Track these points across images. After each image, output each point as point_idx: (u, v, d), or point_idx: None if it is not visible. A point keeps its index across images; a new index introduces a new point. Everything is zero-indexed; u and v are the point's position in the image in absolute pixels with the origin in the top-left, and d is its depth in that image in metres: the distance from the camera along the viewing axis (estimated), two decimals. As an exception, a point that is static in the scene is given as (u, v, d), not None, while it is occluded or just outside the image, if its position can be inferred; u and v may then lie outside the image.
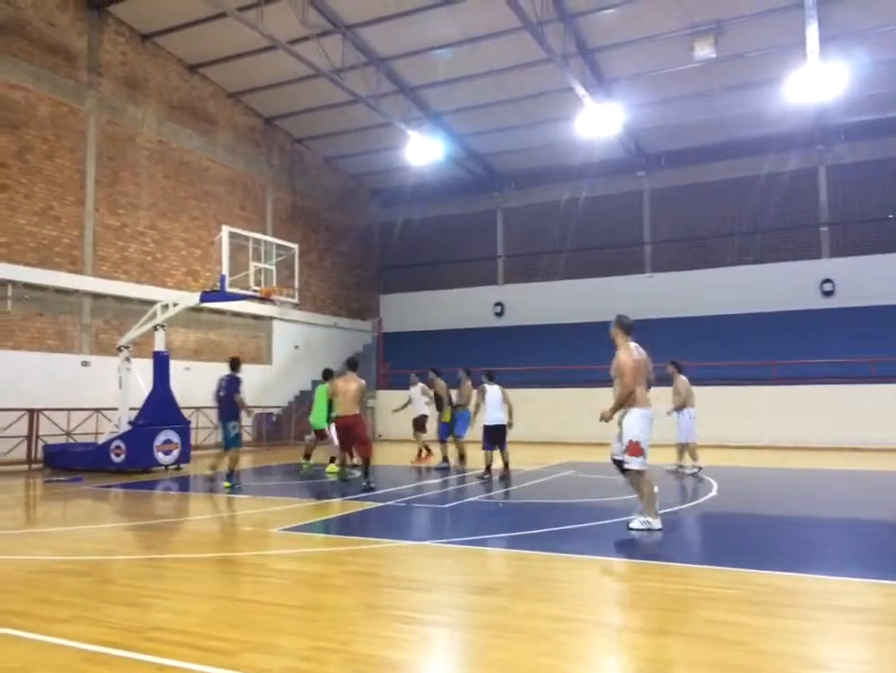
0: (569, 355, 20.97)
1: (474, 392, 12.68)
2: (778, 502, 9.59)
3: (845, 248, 21.30)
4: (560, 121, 20.08)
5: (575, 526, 7.46)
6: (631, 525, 7.04)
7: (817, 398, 16.81)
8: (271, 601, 4.84)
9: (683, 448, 12.13)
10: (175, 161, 18.80)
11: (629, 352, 7.11)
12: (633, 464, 7.05)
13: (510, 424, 11.90)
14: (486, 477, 11.52)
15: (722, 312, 21.13)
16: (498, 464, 11.94)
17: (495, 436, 11.82)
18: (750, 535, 7.33)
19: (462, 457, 13.34)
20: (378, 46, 17.85)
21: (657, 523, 7.00)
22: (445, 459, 13.39)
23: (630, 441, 7.01)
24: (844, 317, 19.81)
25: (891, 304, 19.49)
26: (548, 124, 20.95)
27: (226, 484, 10.68)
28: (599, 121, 18.60)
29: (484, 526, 7.81)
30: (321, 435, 13.18)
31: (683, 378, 12.32)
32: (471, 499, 9.83)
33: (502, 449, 11.97)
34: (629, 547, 6.65)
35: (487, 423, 11.83)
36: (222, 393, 11.12)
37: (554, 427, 19.59)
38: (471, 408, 12.70)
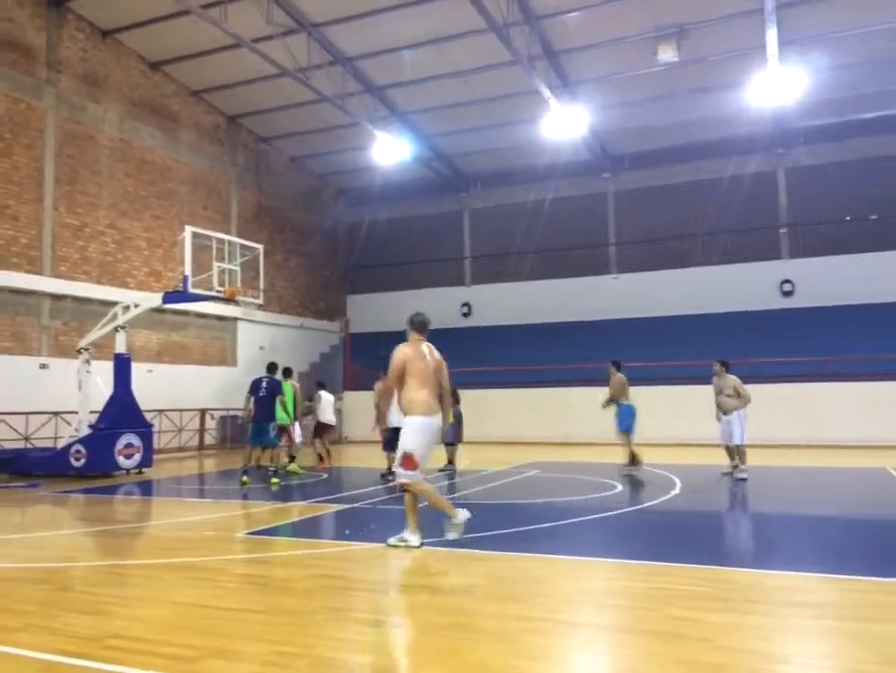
0: (535, 356, 21.09)
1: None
2: (740, 499, 9.73)
3: (803, 249, 21.74)
4: (526, 123, 20.17)
5: (541, 526, 7.49)
6: (389, 541, 6.37)
7: (777, 396, 17.10)
8: (234, 606, 4.77)
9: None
10: (136, 159, 18.48)
11: (405, 351, 6.36)
12: (402, 475, 6.35)
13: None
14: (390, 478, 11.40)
15: (685, 312, 21.42)
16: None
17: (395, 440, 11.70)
18: (713, 532, 7.44)
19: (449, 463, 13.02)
20: (344, 45, 17.75)
21: (414, 540, 6.31)
22: (451, 462, 12.87)
23: (404, 452, 6.27)
24: (802, 316, 20.22)
25: (848, 304, 19.93)
26: (514, 126, 21.03)
27: (274, 481, 11.34)
28: (564, 123, 18.74)
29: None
30: (282, 431, 13.11)
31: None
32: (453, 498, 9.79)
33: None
34: (596, 546, 6.69)
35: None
36: (262, 394, 11.60)
37: (520, 427, 19.67)
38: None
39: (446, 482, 11.50)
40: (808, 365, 18.20)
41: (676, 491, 10.11)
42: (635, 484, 10.89)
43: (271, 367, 12.18)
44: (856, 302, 19.90)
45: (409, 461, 6.23)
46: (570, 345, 21.31)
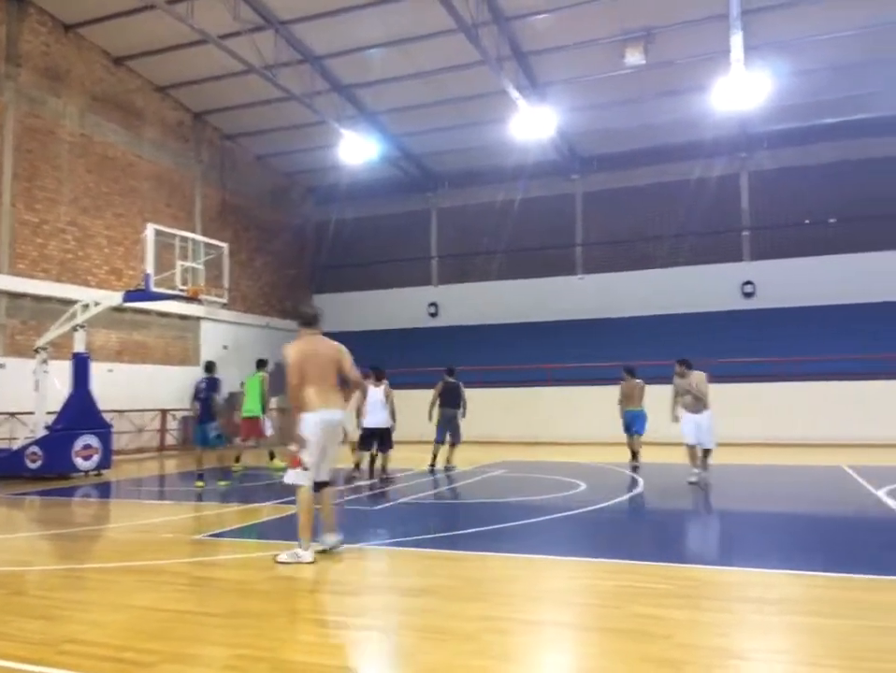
0: (503, 355, 21.14)
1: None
2: (701, 497, 9.85)
3: (764, 251, 22.13)
4: (495, 123, 20.21)
5: (506, 525, 7.50)
6: (279, 558, 5.86)
7: (737, 396, 17.37)
8: (192, 610, 4.68)
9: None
10: (98, 155, 18.11)
11: (296, 348, 6.08)
12: (288, 476, 6.08)
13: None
14: (355, 475, 11.77)
15: (649, 313, 21.65)
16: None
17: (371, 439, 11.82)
18: (675, 530, 7.51)
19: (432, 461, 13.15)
20: (312, 43, 17.61)
21: (307, 556, 5.81)
22: (434, 462, 12.98)
23: (292, 450, 6.00)
24: (763, 317, 20.57)
25: (808, 305, 20.32)
26: (483, 126, 21.06)
27: (221, 483, 11.21)
28: (532, 124, 18.81)
29: (415, 527, 7.77)
30: (251, 425, 13.00)
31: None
32: (403, 500, 9.77)
33: (383, 452, 11.90)
34: (560, 545, 6.71)
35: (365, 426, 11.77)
36: (202, 396, 11.36)
37: (488, 427, 19.68)
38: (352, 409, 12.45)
39: (431, 478, 11.48)
40: (767, 365, 18.53)
41: (640, 489, 10.21)
42: (599, 483, 10.96)
43: (208, 367, 11.86)
44: (815, 304, 20.29)
45: (295, 459, 5.97)
46: (536, 345, 21.41)
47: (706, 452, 10.62)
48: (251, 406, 13.14)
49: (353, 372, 6.34)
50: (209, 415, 11.39)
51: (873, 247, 20.59)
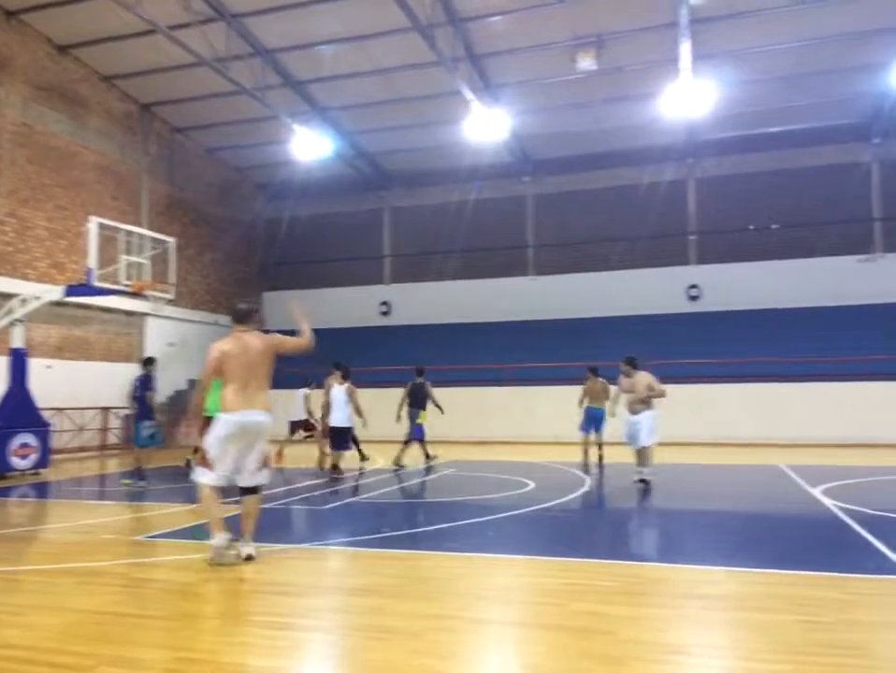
0: (454, 355, 21.18)
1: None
2: (646, 496, 10.03)
3: (710, 255, 22.66)
4: (449, 124, 20.24)
5: (453, 524, 7.52)
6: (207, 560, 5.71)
7: (682, 397, 17.70)
8: (132, 612, 4.57)
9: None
10: (40, 145, 17.54)
11: (221, 347, 5.86)
12: (195, 473, 5.97)
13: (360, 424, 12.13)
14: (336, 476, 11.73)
15: (598, 315, 21.94)
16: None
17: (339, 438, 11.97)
18: (620, 528, 7.64)
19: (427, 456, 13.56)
20: (264, 37, 17.36)
21: (216, 540, 5.65)
22: (428, 456, 13.54)
23: (203, 449, 5.86)
24: (708, 320, 21.05)
25: (751, 308, 20.88)
26: (437, 126, 21.08)
27: (125, 482, 10.80)
28: (486, 126, 18.90)
29: (364, 527, 7.74)
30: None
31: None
32: (351, 500, 9.72)
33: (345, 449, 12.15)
34: (507, 543, 6.76)
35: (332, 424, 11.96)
36: (137, 394, 11.02)
37: (439, 426, 19.67)
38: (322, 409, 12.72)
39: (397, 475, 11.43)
40: (711, 366, 18.97)
41: (586, 488, 10.35)
42: (548, 482, 11.07)
43: (144, 363, 11.38)
44: (758, 307, 20.86)
45: (203, 458, 5.86)
46: (488, 345, 21.51)
47: (641, 451, 10.33)
48: (212, 406, 13.01)
49: (296, 340, 6.16)
50: (143, 413, 10.99)
51: (812, 253, 21.29)
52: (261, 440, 5.87)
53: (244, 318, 6.04)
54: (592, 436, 13.31)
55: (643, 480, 10.19)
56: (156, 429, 11.11)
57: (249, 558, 5.74)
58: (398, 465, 12.94)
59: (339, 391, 11.94)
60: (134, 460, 11.08)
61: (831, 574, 5.34)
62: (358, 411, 12.05)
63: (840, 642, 3.89)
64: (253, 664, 3.72)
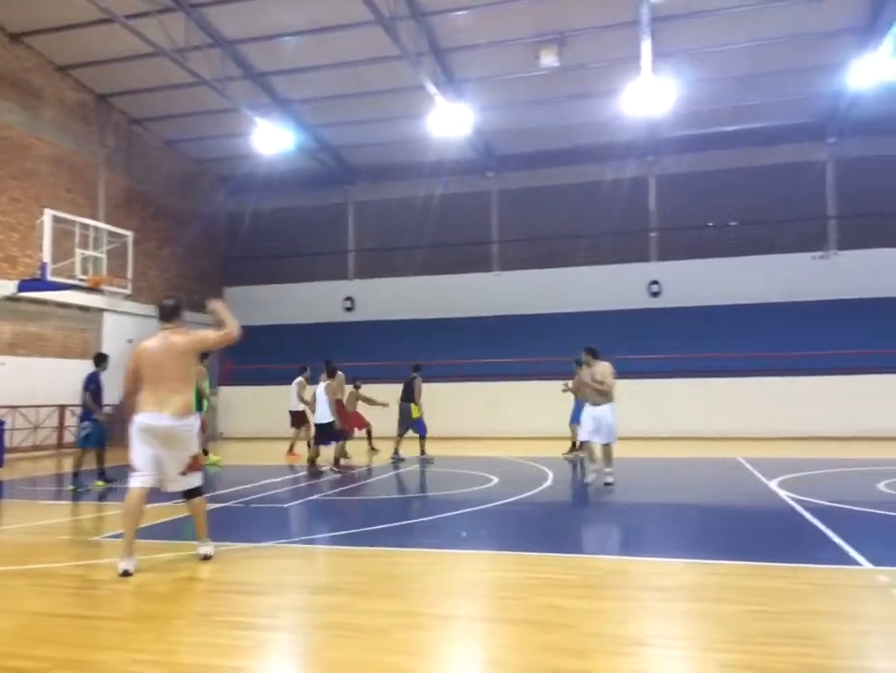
0: (419, 351, 21.11)
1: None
2: (606, 490, 10.14)
3: (670, 252, 22.98)
4: (413, 118, 20.18)
5: (418, 520, 7.52)
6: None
7: (642, 391, 17.98)
8: (89, 614, 4.49)
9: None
10: (-9, 135, 17.06)
11: (138, 349, 5.72)
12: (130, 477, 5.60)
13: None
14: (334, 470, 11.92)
15: (561, 310, 22.10)
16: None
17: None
18: (580, 522, 7.72)
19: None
20: (224, 28, 17.09)
21: (122, 565, 5.31)
22: (423, 452, 13.72)
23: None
24: (668, 316, 21.36)
25: (710, 304, 21.24)
26: (401, 120, 20.99)
27: (70, 487, 10.25)
28: (449, 121, 18.89)
29: (327, 524, 7.70)
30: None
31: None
32: (314, 497, 9.66)
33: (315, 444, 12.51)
34: (471, 539, 6.78)
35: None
36: (83, 391, 10.68)
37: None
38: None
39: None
40: (672, 361, 19.26)
41: (549, 483, 10.43)
42: (512, 478, 11.14)
43: (95, 359, 10.98)
44: (716, 303, 21.23)
45: (131, 464, 5.59)
46: (452, 341, 21.54)
47: (605, 448, 10.01)
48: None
49: (219, 335, 5.66)
50: (84, 413, 10.64)
51: (769, 249, 21.72)
52: (179, 446, 5.51)
53: (169, 315, 5.71)
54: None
55: (608, 484, 9.69)
56: (90, 430, 10.48)
57: (206, 558, 5.69)
58: (396, 456, 13.57)
59: (320, 388, 12.24)
60: (76, 461, 10.68)
61: (786, 565, 5.46)
62: (334, 408, 12.22)
63: (792, 631, 3.99)
64: (214, 664, 3.67)
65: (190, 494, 5.71)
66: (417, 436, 13.71)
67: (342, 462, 12.44)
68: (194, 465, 5.66)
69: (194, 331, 5.72)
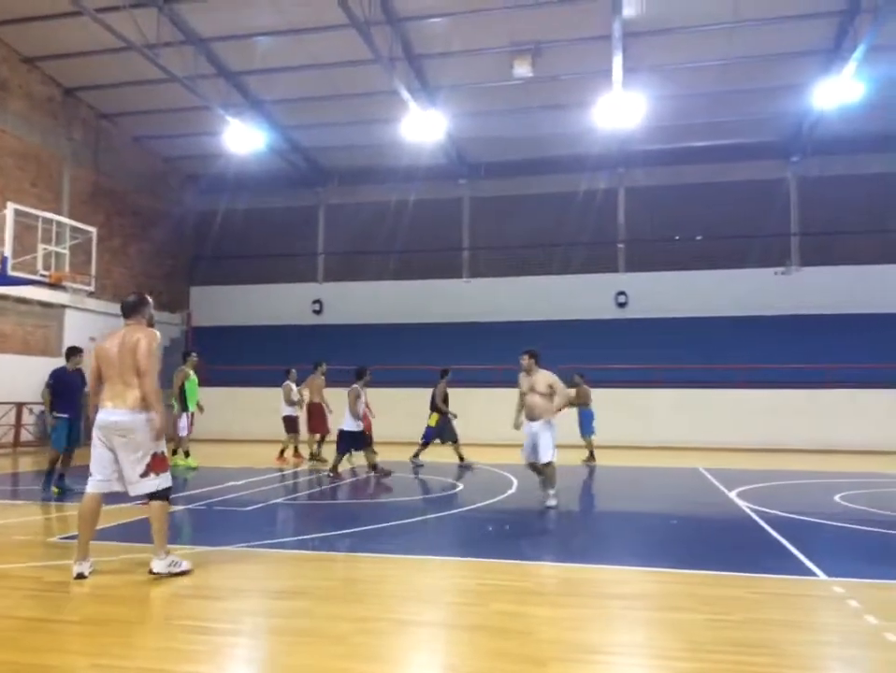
0: (387, 356, 21.10)
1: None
2: (570, 497, 10.24)
3: (638, 264, 23.29)
4: (386, 123, 20.18)
5: (380, 526, 7.52)
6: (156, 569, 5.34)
7: (607, 401, 18.13)
8: (45, 617, 4.42)
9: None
10: (-47, 125, 16.69)
11: (97, 347, 5.64)
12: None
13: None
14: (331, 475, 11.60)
15: (529, 319, 22.24)
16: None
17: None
18: (539, 529, 7.78)
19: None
20: (197, 25, 16.94)
21: (77, 568, 5.30)
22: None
23: None
24: (635, 327, 21.63)
25: (674, 316, 21.55)
26: (374, 124, 20.98)
27: (55, 489, 9.57)
28: (422, 127, 18.94)
29: (288, 528, 7.66)
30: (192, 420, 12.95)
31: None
32: (276, 501, 9.59)
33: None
34: (431, 545, 6.81)
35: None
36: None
37: (375, 427, 19.64)
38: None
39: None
40: (636, 371, 19.49)
41: (513, 490, 10.49)
42: (476, 484, 11.18)
43: (66, 354, 10.18)
44: (681, 315, 21.54)
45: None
46: (421, 346, 21.52)
47: (543, 469, 8.78)
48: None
49: (142, 362, 5.32)
50: (49, 410, 9.85)
51: (733, 264, 22.13)
52: (132, 444, 5.30)
53: (129, 311, 5.60)
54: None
55: (549, 507, 8.61)
56: (54, 430, 9.73)
57: (156, 574, 5.27)
58: (415, 461, 13.48)
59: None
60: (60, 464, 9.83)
61: (743, 574, 5.57)
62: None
63: (747, 640, 4.07)
64: (172, 669, 3.64)
65: (152, 496, 5.44)
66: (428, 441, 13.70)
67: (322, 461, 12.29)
68: (156, 465, 5.35)
69: (149, 333, 5.48)
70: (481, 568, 5.82)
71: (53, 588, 5.17)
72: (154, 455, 5.38)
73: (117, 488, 5.46)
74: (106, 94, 20.39)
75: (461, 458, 13.44)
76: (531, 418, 8.74)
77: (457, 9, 16.02)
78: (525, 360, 8.97)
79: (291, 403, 14.30)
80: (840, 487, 10.55)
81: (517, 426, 9.01)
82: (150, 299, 5.81)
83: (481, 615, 4.55)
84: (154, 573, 5.31)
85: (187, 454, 12.95)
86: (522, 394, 8.95)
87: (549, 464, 8.68)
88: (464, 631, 4.30)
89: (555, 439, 8.70)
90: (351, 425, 11.55)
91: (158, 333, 5.60)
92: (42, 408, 17.69)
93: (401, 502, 9.53)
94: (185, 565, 5.39)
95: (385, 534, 7.18)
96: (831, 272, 21.46)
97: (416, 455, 13.68)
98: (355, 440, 11.67)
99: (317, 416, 14.30)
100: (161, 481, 5.41)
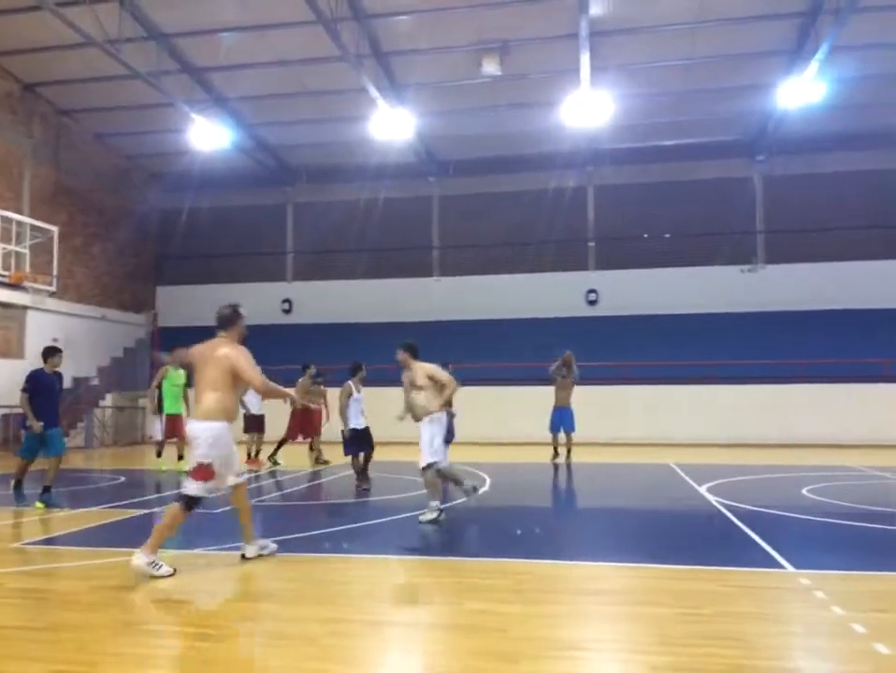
0: (357, 355, 20.88)
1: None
2: (544, 495, 10.26)
3: (607, 261, 23.45)
4: (355, 121, 20.06)
5: (351, 526, 7.45)
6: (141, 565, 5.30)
7: (582, 398, 18.23)
8: (5, 624, 4.28)
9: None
10: None
11: (195, 349, 5.88)
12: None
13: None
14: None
15: (499, 317, 22.29)
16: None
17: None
18: (518, 527, 7.75)
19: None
20: (160, 20, 16.66)
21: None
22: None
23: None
24: (604, 324, 21.78)
25: (644, 314, 21.75)
26: (342, 122, 20.84)
27: (39, 505, 8.63)
28: (391, 125, 18.85)
29: (257, 530, 7.52)
30: (174, 424, 12.51)
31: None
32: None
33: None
34: (404, 544, 6.75)
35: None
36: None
37: (339, 426, 19.49)
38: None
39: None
40: (606, 369, 19.61)
41: (486, 488, 10.47)
42: (447, 483, 11.11)
43: (42, 354, 9.17)
44: (650, 312, 21.75)
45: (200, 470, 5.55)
46: (390, 346, 21.36)
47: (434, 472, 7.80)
48: (173, 405, 12.61)
49: (248, 375, 5.55)
50: (23, 419, 9.03)
51: (700, 262, 22.40)
52: (194, 447, 5.59)
53: (223, 324, 5.77)
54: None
55: (420, 522, 7.52)
56: (28, 438, 8.90)
57: (136, 567, 5.24)
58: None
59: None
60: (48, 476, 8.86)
61: (713, 568, 5.61)
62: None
63: (718, 633, 4.09)
64: (136, 676, 3.54)
65: (177, 496, 5.62)
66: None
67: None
68: (197, 472, 5.49)
69: (243, 351, 5.64)
70: (452, 567, 5.78)
71: (13, 594, 5.02)
72: (200, 464, 5.49)
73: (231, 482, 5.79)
74: (66, 90, 19.98)
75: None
76: (415, 418, 7.97)
77: (424, 7, 15.97)
78: (399, 354, 8.31)
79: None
80: (807, 480, 10.71)
81: (400, 418, 8.77)
82: (243, 312, 5.88)
83: (454, 614, 4.51)
84: (133, 565, 5.27)
85: (159, 454, 12.77)
86: (405, 390, 8.31)
87: (427, 468, 7.72)
88: (437, 630, 4.26)
89: (438, 438, 7.75)
90: (354, 424, 10.87)
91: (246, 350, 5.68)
92: (5, 412, 17.36)
93: (374, 501, 9.45)
94: (165, 570, 5.31)
95: (356, 534, 7.10)
96: (796, 269, 21.83)
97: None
98: (360, 440, 10.98)
99: (306, 419, 13.99)
100: (191, 488, 5.49)
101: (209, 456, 5.47)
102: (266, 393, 5.76)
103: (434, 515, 7.49)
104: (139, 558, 5.28)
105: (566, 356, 14.29)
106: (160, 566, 5.30)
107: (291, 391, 5.67)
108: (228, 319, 5.75)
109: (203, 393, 5.56)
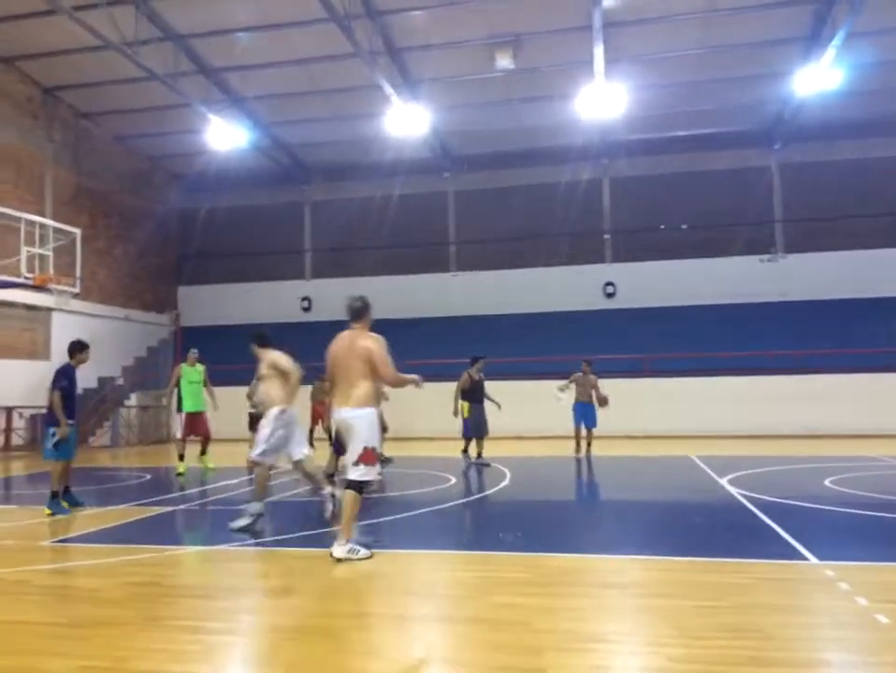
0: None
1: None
2: (565, 489, 10.27)
3: (624, 254, 23.33)
4: (369, 118, 20.12)
5: (375, 521, 7.51)
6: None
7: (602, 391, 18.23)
8: (35, 620, 4.38)
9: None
10: (-69, 128, 16.48)
11: (332, 344, 6.14)
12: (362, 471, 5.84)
13: None
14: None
15: (518, 311, 22.26)
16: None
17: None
18: (538, 520, 7.79)
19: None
20: (176, 22, 16.80)
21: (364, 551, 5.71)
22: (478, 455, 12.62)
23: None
24: (623, 317, 21.68)
25: (662, 306, 21.62)
26: (357, 119, 20.91)
27: (46, 511, 8.15)
28: (406, 121, 18.88)
29: (283, 526, 7.62)
30: (194, 422, 12.28)
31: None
32: (270, 499, 9.55)
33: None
34: (425, 538, 6.80)
35: None
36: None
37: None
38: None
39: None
40: (625, 362, 19.54)
41: (506, 482, 10.50)
42: (470, 477, 11.18)
43: (69, 349, 8.63)
44: (668, 304, 21.62)
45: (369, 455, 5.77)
46: (408, 341, 21.43)
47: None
48: (195, 403, 12.36)
49: (382, 369, 5.84)
50: (49, 417, 8.46)
51: (718, 252, 22.23)
52: (351, 435, 5.77)
53: (355, 316, 6.11)
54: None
55: (231, 528, 6.89)
56: (60, 438, 8.23)
57: (337, 559, 5.62)
58: (466, 455, 12.51)
59: None
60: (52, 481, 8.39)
61: (735, 560, 5.60)
62: None
63: (739, 625, 4.09)
64: (166, 670, 3.62)
65: (349, 484, 5.76)
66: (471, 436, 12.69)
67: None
68: (365, 457, 5.70)
69: (382, 344, 5.97)
70: (475, 561, 5.82)
71: (43, 591, 5.13)
72: (366, 448, 5.72)
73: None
74: (86, 93, 20.21)
75: (466, 451, 12.69)
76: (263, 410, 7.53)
77: (436, 2, 16.00)
78: (252, 347, 7.85)
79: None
80: (830, 471, 10.62)
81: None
82: (370, 303, 6.19)
83: (477, 608, 4.55)
84: (334, 557, 5.59)
85: (181, 457, 12.68)
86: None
87: (257, 465, 7.34)
88: (460, 624, 4.30)
89: (275, 435, 7.16)
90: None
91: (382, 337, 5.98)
92: (33, 412, 17.62)
93: (395, 497, 9.52)
94: (364, 553, 5.65)
95: (379, 529, 7.16)
96: (816, 258, 21.60)
97: (465, 451, 12.69)
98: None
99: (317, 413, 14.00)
100: (363, 473, 5.72)
101: (372, 440, 5.75)
102: (395, 384, 6.11)
103: (247, 522, 6.92)
104: (339, 550, 5.62)
105: (574, 375, 14.38)
106: (358, 551, 5.66)
107: (414, 376, 5.55)
108: (360, 311, 6.08)
109: (351, 382, 5.80)
